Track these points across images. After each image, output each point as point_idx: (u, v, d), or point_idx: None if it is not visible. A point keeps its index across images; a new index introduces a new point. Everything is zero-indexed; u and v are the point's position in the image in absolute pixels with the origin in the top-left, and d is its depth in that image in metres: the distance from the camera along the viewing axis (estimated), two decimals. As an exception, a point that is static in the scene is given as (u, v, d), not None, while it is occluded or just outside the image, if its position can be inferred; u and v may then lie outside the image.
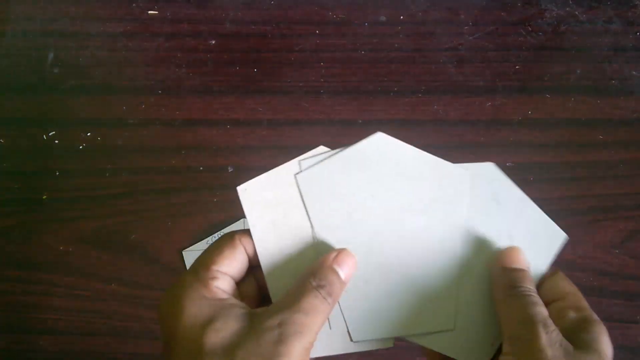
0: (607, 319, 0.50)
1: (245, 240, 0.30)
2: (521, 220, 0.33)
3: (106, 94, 0.58)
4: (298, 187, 0.32)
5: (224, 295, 0.27)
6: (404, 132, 0.57)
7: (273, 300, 0.30)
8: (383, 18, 0.61)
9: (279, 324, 0.25)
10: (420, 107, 0.57)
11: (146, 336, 0.51)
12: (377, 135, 0.35)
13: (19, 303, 0.51)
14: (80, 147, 0.56)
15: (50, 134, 0.56)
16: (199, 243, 0.52)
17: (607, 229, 0.53)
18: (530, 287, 0.28)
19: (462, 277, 0.31)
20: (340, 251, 0.29)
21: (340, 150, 0.34)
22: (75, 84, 0.58)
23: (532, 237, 0.33)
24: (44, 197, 0.54)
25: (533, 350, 0.25)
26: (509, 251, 0.30)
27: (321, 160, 0.33)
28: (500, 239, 0.32)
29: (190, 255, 0.52)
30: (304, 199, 0.32)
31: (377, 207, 0.32)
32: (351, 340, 0.30)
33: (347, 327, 0.31)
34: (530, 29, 0.61)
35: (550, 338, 0.25)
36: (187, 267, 0.51)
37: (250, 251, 0.30)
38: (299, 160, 0.33)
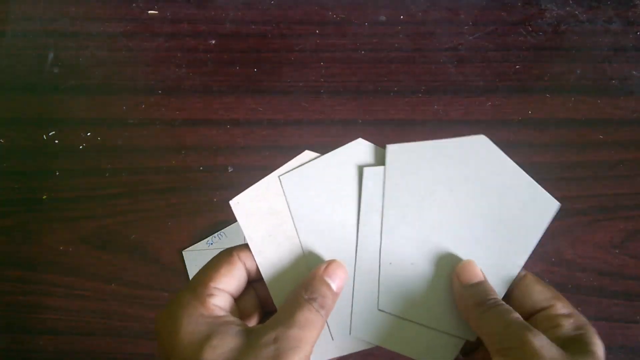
0: (607, 319, 0.51)
1: (243, 255, 0.30)
2: (513, 189, 0.32)
3: (106, 94, 0.58)
4: (283, 191, 0.32)
5: (221, 313, 0.27)
6: (404, 132, 0.57)
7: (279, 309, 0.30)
8: (383, 18, 0.61)
9: (275, 339, 0.25)
10: (420, 107, 0.57)
11: (146, 336, 0.51)
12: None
13: (19, 303, 0.51)
14: (80, 147, 0.56)
15: (50, 134, 0.56)
16: (199, 243, 0.52)
17: (607, 229, 0.53)
18: (496, 296, 0.29)
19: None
20: (330, 262, 0.29)
21: (323, 155, 0.34)
22: (75, 84, 0.58)
23: (524, 206, 0.32)
24: (44, 197, 0.54)
25: (528, 355, 0.25)
26: (464, 267, 0.30)
27: (302, 164, 0.33)
28: (487, 214, 0.32)
29: (190, 256, 0.52)
30: (289, 204, 0.32)
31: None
32: (378, 308, 0.31)
33: (351, 321, 0.31)
34: (530, 29, 0.61)
35: (540, 340, 0.25)
36: (187, 267, 0.51)
37: (250, 266, 0.30)
38: (283, 169, 0.33)
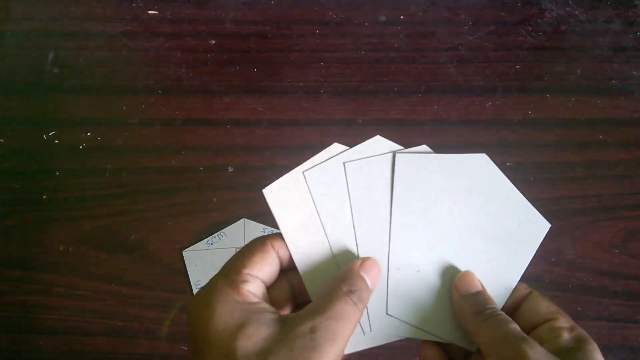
0: (607, 319, 0.51)
1: (277, 244, 0.30)
2: (507, 209, 0.34)
3: (106, 94, 0.58)
4: (307, 185, 0.33)
5: (255, 299, 0.27)
6: (404, 132, 0.57)
7: (312, 299, 0.30)
8: (383, 18, 0.61)
9: (311, 329, 0.25)
10: (420, 107, 0.57)
11: (146, 336, 0.51)
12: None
13: (19, 303, 0.51)
14: (80, 147, 0.56)
15: (50, 134, 0.56)
16: (199, 243, 0.52)
17: (607, 229, 0.53)
18: (494, 306, 0.29)
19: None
20: (366, 259, 0.30)
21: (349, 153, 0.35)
22: (75, 84, 0.58)
23: (519, 225, 0.34)
24: (44, 197, 0.54)
25: None
26: (462, 277, 0.31)
27: (328, 158, 0.34)
28: (486, 229, 0.33)
29: (191, 256, 0.51)
30: (313, 199, 0.32)
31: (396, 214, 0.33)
32: (387, 312, 0.31)
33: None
34: (530, 29, 0.61)
35: (536, 352, 0.25)
36: (187, 267, 0.51)
37: (283, 254, 0.30)
38: (310, 162, 0.34)
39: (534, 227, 0.34)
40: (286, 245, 0.30)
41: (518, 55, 0.59)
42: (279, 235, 0.31)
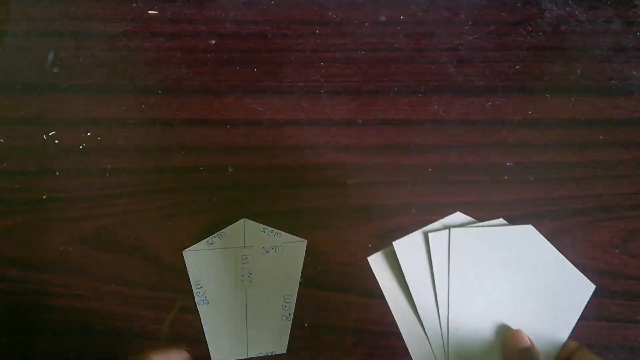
0: (607, 319, 0.51)
1: (155, 357, 0.37)
2: (554, 273, 0.38)
3: (106, 94, 0.58)
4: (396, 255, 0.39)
5: None
6: (404, 132, 0.57)
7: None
8: (383, 18, 0.61)
9: None
10: (420, 107, 0.57)
11: (146, 336, 0.51)
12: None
13: (19, 303, 0.51)
14: (80, 147, 0.56)
15: (50, 134, 0.56)
16: (199, 243, 0.52)
17: (607, 229, 0.53)
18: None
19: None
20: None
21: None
22: (75, 84, 0.58)
23: (565, 288, 0.38)
24: (44, 197, 0.54)
25: None
26: (513, 334, 0.35)
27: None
28: (535, 292, 0.37)
29: (190, 256, 0.51)
30: (402, 267, 0.39)
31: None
32: None
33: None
34: (530, 29, 0.61)
35: None
36: (187, 268, 0.51)
37: None
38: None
39: (580, 288, 0.38)
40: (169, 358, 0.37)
41: (518, 55, 0.59)
42: (158, 349, 0.37)
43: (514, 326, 0.36)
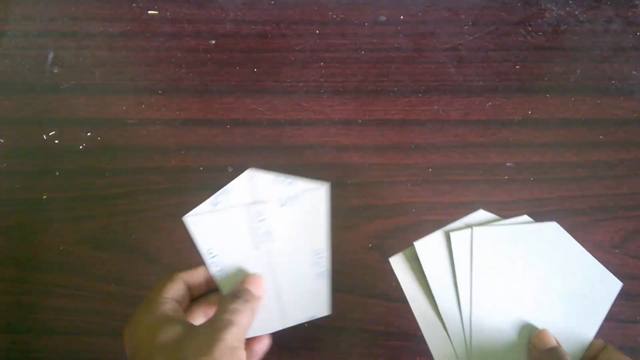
0: (607, 319, 0.51)
1: (185, 275, 0.38)
2: (579, 271, 0.37)
3: (106, 94, 0.58)
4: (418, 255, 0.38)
5: (172, 314, 0.34)
6: (404, 132, 0.57)
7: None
8: (383, 18, 0.61)
9: (210, 323, 0.33)
10: (420, 107, 0.57)
11: (146, 336, 0.51)
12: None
13: (19, 303, 0.51)
14: (80, 147, 0.56)
15: (50, 134, 0.56)
16: (201, 205, 0.42)
17: (607, 229, 0.53)
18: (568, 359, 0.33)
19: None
20: (250, 276, 0.38)
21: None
22: (75, 84, 0.58)
23: (592, 285, 0.37)
24: (44, 197, 0.54)
25: None
26: (539, 334, 0.35)
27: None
28: (560, 290, 0.37)
29: (195, 221, 0.41)
30: (424, 269, 0.37)
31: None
32: None
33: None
34: (530, 29, 0.61)
35: None
36: (195, 235, 0.43)
37: (189, 280, 0.38)
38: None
39: (606, 286, 0.37)
40: (193, 274, 0.38)
41: (518, 55, 0.59)
42: (188, 269, 0.38)
43: (538, 326, 0.36)
